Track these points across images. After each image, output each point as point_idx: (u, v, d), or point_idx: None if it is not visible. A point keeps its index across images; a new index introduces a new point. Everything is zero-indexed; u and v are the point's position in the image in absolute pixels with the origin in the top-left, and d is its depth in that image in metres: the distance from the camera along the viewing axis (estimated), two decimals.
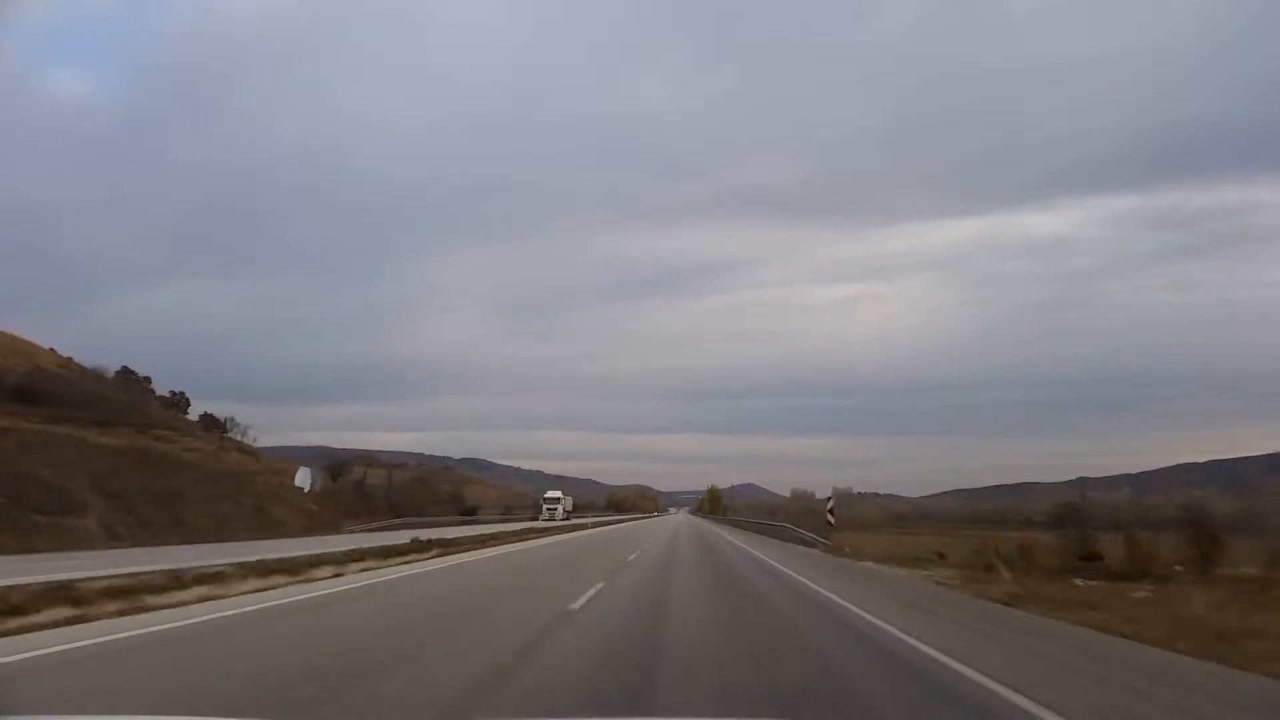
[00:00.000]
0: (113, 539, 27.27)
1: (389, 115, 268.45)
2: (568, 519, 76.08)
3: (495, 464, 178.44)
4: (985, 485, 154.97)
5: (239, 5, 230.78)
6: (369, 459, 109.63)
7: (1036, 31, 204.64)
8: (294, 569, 14.24)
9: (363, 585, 13.50)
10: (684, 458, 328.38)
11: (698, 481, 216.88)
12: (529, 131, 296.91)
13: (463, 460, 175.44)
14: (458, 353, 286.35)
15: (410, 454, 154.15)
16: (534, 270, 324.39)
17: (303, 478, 44.43)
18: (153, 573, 11.83)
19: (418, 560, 19.64)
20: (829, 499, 34.50)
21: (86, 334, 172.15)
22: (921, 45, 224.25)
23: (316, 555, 16.64)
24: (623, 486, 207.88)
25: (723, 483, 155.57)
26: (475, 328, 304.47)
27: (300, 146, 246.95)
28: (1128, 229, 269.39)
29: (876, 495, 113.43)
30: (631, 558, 22.37)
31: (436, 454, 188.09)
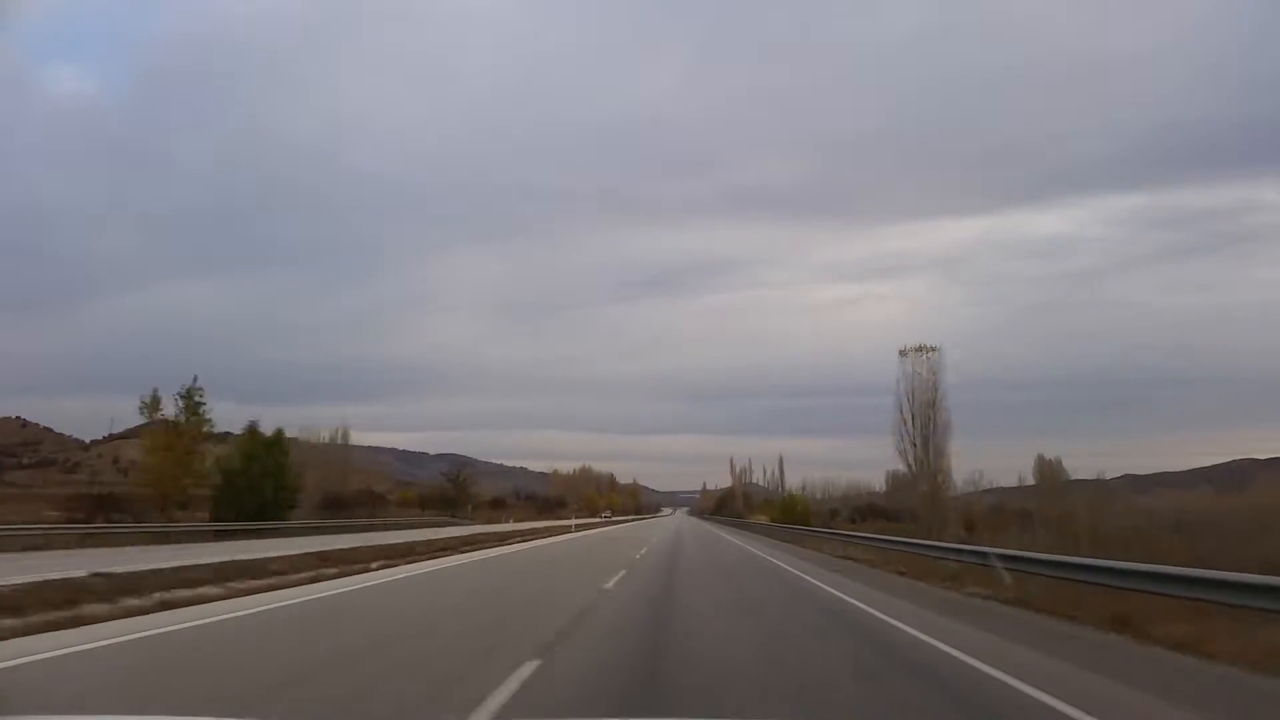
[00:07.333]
0: None
1: (387, 112, 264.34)
2: None
3: (476, 461, 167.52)
4: (1010, 486, 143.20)
5: (240, 2, 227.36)
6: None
7: (1041, 31, 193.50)
8: None
9: None
10: (682, 458, 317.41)
11: (696, 482, 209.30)
12: (528, 129, 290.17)
13: (438, 456, 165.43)
14: (452, 353, 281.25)
15: (385, 449, 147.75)
16: (531, 269, 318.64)
17: None
18: None
19: None
20: None
21: (81, 336, 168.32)
22: (925, 43, 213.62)
23: None
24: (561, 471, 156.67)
25: (723, 483, 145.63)
26: (471, 327, 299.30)
27: (301, 146, 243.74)
28: (1135, 229, 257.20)
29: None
30: None
31: (414, 450, 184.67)
